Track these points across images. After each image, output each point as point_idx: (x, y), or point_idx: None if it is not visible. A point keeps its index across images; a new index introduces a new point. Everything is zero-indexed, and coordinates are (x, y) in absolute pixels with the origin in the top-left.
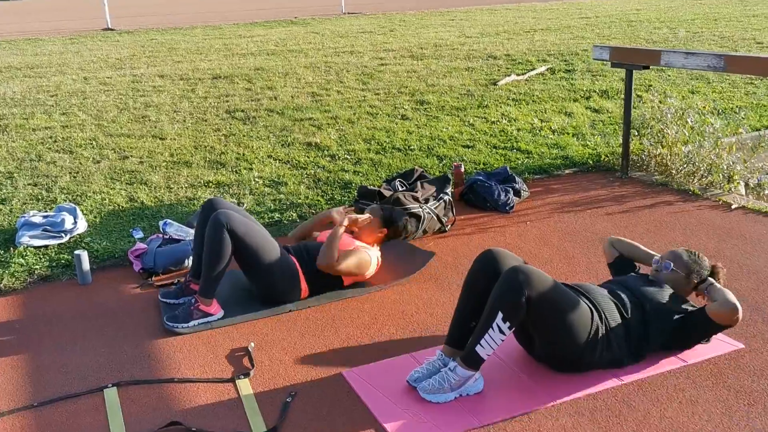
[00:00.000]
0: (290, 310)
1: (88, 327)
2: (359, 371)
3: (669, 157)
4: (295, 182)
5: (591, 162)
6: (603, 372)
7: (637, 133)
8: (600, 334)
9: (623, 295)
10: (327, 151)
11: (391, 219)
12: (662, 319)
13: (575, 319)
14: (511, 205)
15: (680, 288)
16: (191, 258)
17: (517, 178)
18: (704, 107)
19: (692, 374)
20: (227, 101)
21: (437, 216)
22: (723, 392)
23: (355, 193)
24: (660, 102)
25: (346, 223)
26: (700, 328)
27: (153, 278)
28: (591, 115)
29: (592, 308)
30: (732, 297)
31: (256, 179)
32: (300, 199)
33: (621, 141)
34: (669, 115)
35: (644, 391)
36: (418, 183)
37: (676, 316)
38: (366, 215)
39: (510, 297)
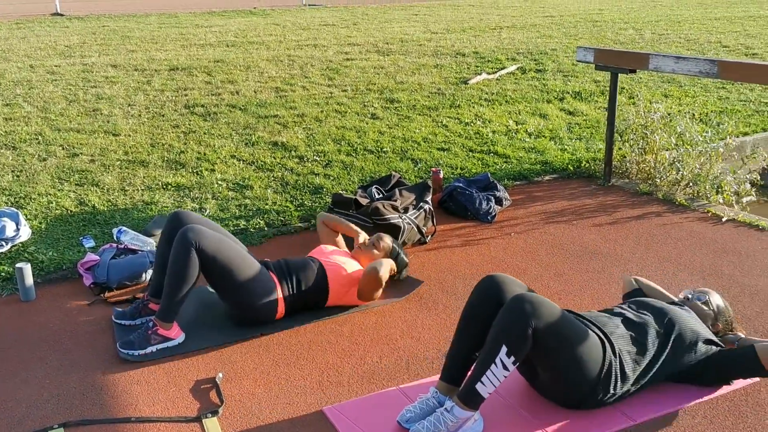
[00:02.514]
0: (261, 334)
1: (30, 353)
2: (343, 408)
3: (654, 165)
4: (262, 186)
5: (571, 168)
6: (611, 409)
7: (620, 139)
8: (613, 369)
9: (645, 317)
10: (294, 151)
11: (398, 257)
12: (690, 346)
13: (585, 353)
14: (493, 214)
15: (703, 319)
16: (149, 272)
17: (498, 186)
18: (693, 114)
19: (709, 413)
20: (186, 95)
21: (417, 227)
22: (735, 421)
23: (330, 201)
24: (645, 108)
25: (385, 270)
26: (741, 366)
27: (105, 294)
28: (566, 118)
29: (605, 340)
30: None
31: (219, 182)
32: (267, 204)
33: (601, 146)
34: (656, 121)
35: None
36: (396, 190)
37: (710, 342)
38: (384, 247)
39: (515, 329)
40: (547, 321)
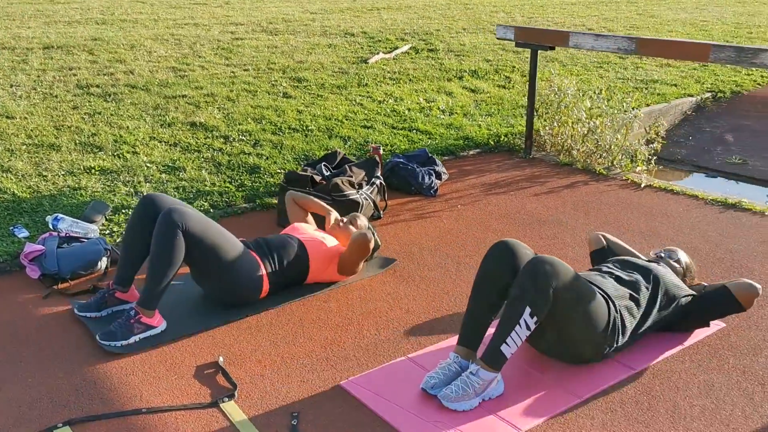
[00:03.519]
0: (247, 315)
1: (3, 353)
2: (360, 381)
3: (571, 137)
4: (194, 167)
5: (492, 143)
6: (611, 361)
7: (535, 113)
8: (617, 325)
9: (634, 276)
10: (216, 131)
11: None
12: (676, 297)
13: (595, 310)
14: (435, 188)
15: (676, 274)
16: (104, 260)
17: (437, 161)
18: (602, 89)
19: (695, 357)
20: (74, 75)
21: (373, 202)
22: (732, 374)
23: (283, 179)
24: (559, 84)
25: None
26: (721, 306)
27: (59, 285)
28: (470, 95)
29: (607, 298)
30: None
31: (148, 164)
32: (206, 186)
33: (512, 121)
34: (570, 95)
35: (660, 379)
36: (346, 167)
37: (687, 294)
38: (360, 225)
39: (538, 290)
40: (565, 281)
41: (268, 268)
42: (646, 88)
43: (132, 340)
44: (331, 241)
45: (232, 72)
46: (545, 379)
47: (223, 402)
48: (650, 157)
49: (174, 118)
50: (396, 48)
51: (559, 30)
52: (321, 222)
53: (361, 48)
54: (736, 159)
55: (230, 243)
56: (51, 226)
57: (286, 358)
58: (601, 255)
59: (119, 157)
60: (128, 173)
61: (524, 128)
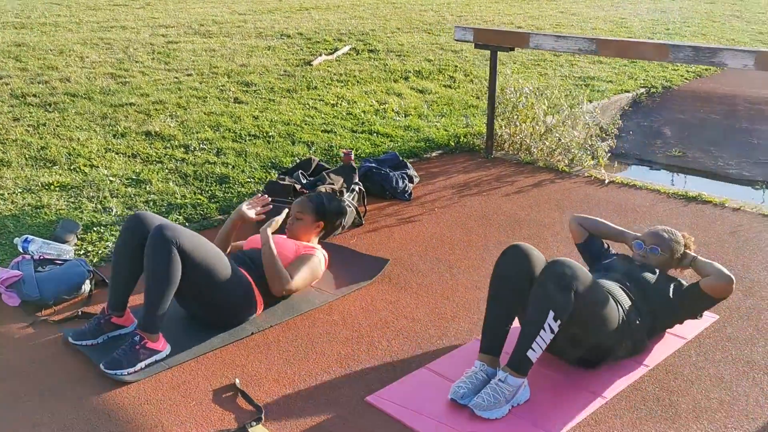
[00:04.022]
0: (252, 333)
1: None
2: (384, 395)
3: (530, 136)
4: (160, 179)
5: (452, 144)
6: (625, 361)
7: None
8: (625, 325)
9: (627, 284)
10: (174, 141)
11: (324, 208)
12: (664, 302)
13: (608, 311)
14: (409, 192)
15: (666, 267)
16: (87, 282)
17: (408, 165)
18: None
19: (700, 351)
20: (5, 84)
21: (356, 208)
22: (738, 365)
23: (263, 189)
24: (515, 84)
25: (269, 236)
26: (696, 303)
27: (42, 312)
28: (420, 96)
29: (616, 301)
30: (723, 269)
31: (110, 178)
32: (177, 199)
33: (467, 122)
34: (527, 95)
35: (673, 374)
36: (324, 174)
37: (672, 296)
38: (280, 216)
39: (560, 294)
40: (584, 284)
41: (258, 283)
42: (586, 85)
43: (138, 367)
44: (291, 248)
45: (176, 77)
46: (567, 382)
47: (252, 426)
48: (607, 153)
49: (126, 128)
50: (337, 49)
51: (519, 31)
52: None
53: (301, 50)
54: (676, 152)
55: (222, 260)
56: (21, 249)
57: (304, 376)
58: (588, 246)
59: (76, 172)
60: (91, 188)
61: (481, 128)
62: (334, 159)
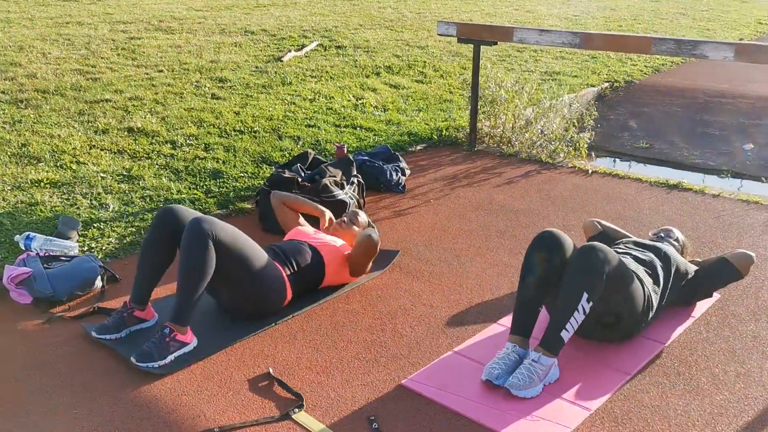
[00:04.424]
0: (275, 323)
1: (25, 387)
2: (419, 378)
3: (511, 129)
4: (152, 175)
5: (435, 137)
6: (641, 338)
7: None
8: (649, 303)
9: (649, 255)
10: (159, 137)
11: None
12: (686, 272)
13: (635, 291)
14: (403, 184)
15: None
16: (99, 278)
17: (400, 157)
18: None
19: (709, 327)
20: None
21: (357, 201)
22: (746, 340)
23: (265, 182)
24: (494, 78)
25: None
26: (723, 277)
27: (57, 309)
28: (394, 91)
29: (639, 278)
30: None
31: (101, 174)
32: (173, 194)
33: (446, 116)
34: (508, 89)
35: (689, 350)
36: (323, 167)
37: (694, 274)
38: (362, 222)
39: (594, 276)
40: (614, 265)
41: (290, 276)
42: (553, 80)
43: (169, 359)
44: (341, 243)
45: (146, 74)
46: (591, 360)
47: (295, 413)
48: (588, 143)
49: (107, 124)
50: (304, 46)
51: (503, 26)
52: (313, 223)
53: (268, 46)
54: (644, 144)
55: (257, 252)
56: (23, 246)
57: (335, 362)
58: (601, 236)
59: (63, 168)
60: (83, 185)
61: (461, 122)
62: (323, 153)
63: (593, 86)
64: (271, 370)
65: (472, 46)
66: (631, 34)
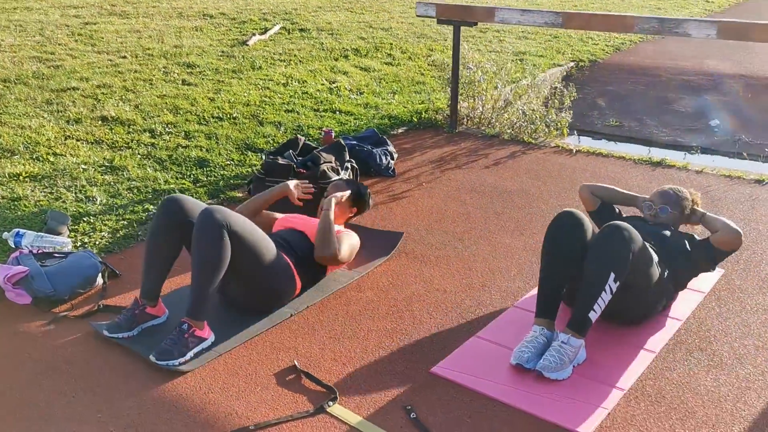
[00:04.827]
0: (291, 315)
1: (42, 391)
2: (448, 365)
3: (492, 110)
4: (135, 165)
5: (416, 119)
6: (658, 317)
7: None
8: (662, 281)
9: (651, 242)
10: (135, 126)
11: (360, 195)
12: (684, 257)
13: (654, 270)
14: (393, 168)
15: (677, 224)
16: (102, 274)
17: (387, 141)
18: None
19: (720, 303)
20: None
21: None
22: (758, 313)
23: (259, 170)
24: (473, 59)
25: (333, 205)
26: (710, 257)
27: (59, 309)
28: (365, 74)
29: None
30: (731, 223)
31: (82, 166)
32: (161, 184)
33: (423, 98)
34: (484, 69)
35: (705, 326)
36: (316, 153)
37: (690, 250)
38: (346, 191)
39: (621, 256)
40: (638, 245)
41: (296, 266)
42: (520, 60)
43: (188, 356)
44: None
45: (110, 60)
46: (614, 340)
47: (329, 406)
48: (569, 122)
49: (78, 113)
50: (267, 29)
51: (485, 6)
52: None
53: (230, 30)
54: (613, 122)
55: (267, 242)
56: (13, 244)
57: (359, 353)
58: (600, 213)
59: (41, 161)
60: (64, 177)
61: (439, 104)
62: (307, 138)
63: (560, 65)
64: (296, 363)
65: (436, 27)
66: (614, 13)
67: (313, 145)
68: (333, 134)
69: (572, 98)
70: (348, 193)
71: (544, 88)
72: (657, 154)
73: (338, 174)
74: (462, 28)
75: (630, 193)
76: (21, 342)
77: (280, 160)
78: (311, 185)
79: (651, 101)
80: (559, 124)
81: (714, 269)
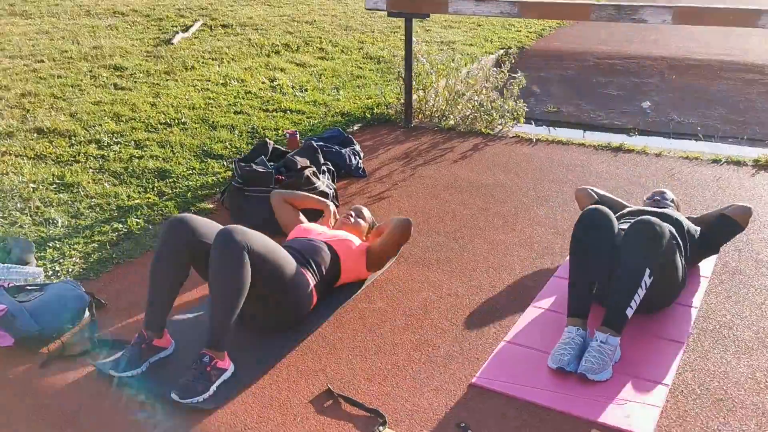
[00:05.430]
0: (307, 334)
1: None
2: (487, 374)
3: (446, 102)
4: (90, 180)
5: (368, 116)
6: (675, 305)
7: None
8: (683, 268)
9: (666, 221)
10: (77, 137)
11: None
12: (694, 234)
13: (678, 258)
14: (362, 168)
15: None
16: (90, 305)
17: (354, 140)
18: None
19: (725, 285)
20: None
21: (334, 189)
22: (766, 295)
23: (236, 179)
24: (421, 51)
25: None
26: (728, 231)
27: (49, 348)
28: (302, 70)
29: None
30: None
31: (30, 185)
32: (125, 201)
33: (369, 92)
34: (432, 61)
35: (720, 310)
36: (289, 157)
37: (697, 229)
38: (368, 218)
39: (656, 252)
40: (668, 237)
41: (312, 279)
42: (451, 49)
43: (212, 390)
44: (354, 238)
45: (26, 65)
46: (639, 333)
47: (381, 431)
48: (525, 111)
49: (9, 126)
50: (187, 26)
51: None
52: (311, 218)
53: (147, 28)
54: (551, 108)
55: (288, 260)
56: None
57: (392, 369)
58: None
59: None
60: (14, 199)
61: (389, 98)
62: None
63: (491, 54)
64: (331, 387)
65: (361, 19)
66: (570, 1)
67: (282, 149)
68: (298, 136)
69: (521, 86)
70: (367, 221)
71: (494, 77)
72: (609, 139)
73: (318, 178)
74: (384, 18)
75: (623, 202)
76: (12, 389)
77: (260, 168)
78: (345, 222)
79: (583, 86)
80: (516, 113)
81: (718, 251)
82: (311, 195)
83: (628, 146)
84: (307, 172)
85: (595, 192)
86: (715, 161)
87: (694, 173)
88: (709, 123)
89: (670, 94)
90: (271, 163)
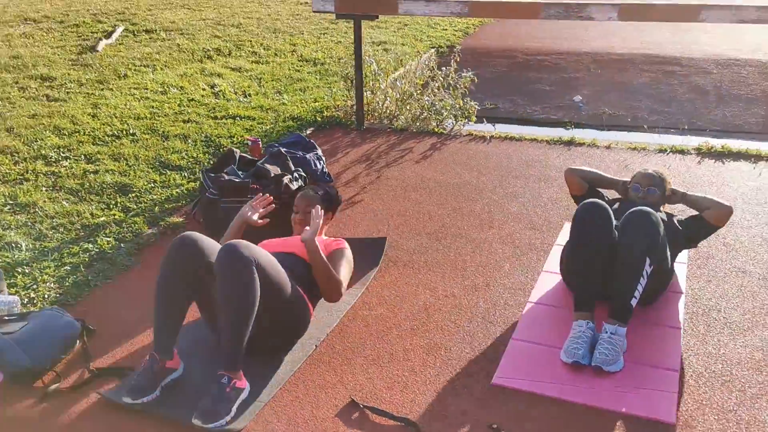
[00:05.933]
0: (316, 347)
1: None
2: (505, 373)
3: (396, 103)
4: (46, 199)
5: (319, 119)
6: (666, 293)
7: (346, 84)
8: (672, 257)
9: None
10: (20, 154)
11: (331, 198)
12: (676, 234)
13: (668, 248)
14: (327, 172)
15: (658, 205)
16: (81, 333)
17: (316, 145)
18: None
19: (704, 271)
20: None
21: None
22: (740, 277)
23: (211, 191)
24: (368, 53)
25: (317, 242)
26: (701, 233)
27: (44, 381)
28: (239, 74)
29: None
30: (719, 199)
31: None
32: (89, 218)
33: (314, 95)
34: (377, 61)
35: (705, 295)
36: (259, 165)
37: (681, 228)
38: (319, 211)
39: (653, 242)
40: (662, 227)
41: (306, 292)
42: (384, 50)
43: (233, 411)
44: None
45: None
46: (636, 321)
47: None
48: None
49: None
50: (110, 32)
51: None
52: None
53: (64, 35)
54: (489, 105)
55: (285, 274)
56: None
57: (410, 376)
58: (587, 198)
59: None
60: None
61: (337, 101)
62: (221, 149)
63: (424, 53)
64: (355, 399)
65: (286, 21)
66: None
67: (249, 157)
68: (260, 143)
69: (467, 85)
70: (321, 212)
71: (441, 77)
72: (556, 134)
73: (292, 185)
74: (312, 20)
75: (611, 177)
76: (25, 427)
77: (235, 179)
78: (269, 196)
79: (516, 82)
80: (467, 111)
81: (697, 245)
82: (227, 232)
83: (579, 140)
84: (285, 180)
85: (584, 177)
86: (661, 151)
87: (645, 163)
88: (637, 114)
89: (598, 87)
90: (241, 172)
